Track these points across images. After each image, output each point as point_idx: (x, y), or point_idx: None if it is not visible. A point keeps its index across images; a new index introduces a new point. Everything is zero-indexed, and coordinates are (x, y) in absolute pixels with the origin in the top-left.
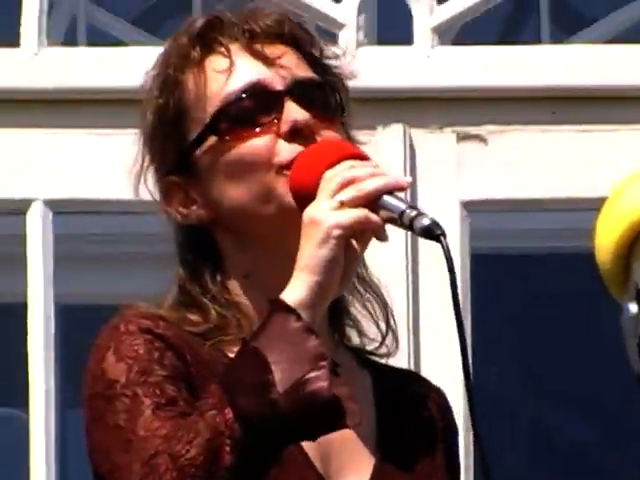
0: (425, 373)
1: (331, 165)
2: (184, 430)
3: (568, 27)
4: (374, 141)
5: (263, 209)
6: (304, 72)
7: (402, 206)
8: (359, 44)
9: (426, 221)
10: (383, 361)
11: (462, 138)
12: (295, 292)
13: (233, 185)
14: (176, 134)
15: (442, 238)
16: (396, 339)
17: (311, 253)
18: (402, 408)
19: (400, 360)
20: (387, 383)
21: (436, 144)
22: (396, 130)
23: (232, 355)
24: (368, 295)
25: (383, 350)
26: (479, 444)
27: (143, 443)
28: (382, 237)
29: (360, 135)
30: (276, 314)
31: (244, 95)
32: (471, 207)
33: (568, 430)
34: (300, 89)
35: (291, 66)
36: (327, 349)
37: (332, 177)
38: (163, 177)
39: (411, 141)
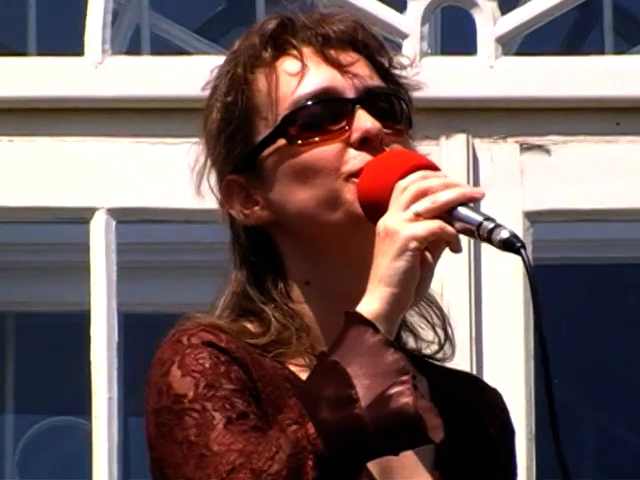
0: (487, 380)
1: (402, 175)
2: (264, 445)
3: (631, 37)
4: (437, 151)
5: (329, 215)
6: (375, 81)
7: (479, 218)
8: (423, 54)
9: (505, 234)
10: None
11: (526, 148)
12: (371, 304)
13: (299, 189)
14: (243, 133)
15: (522, 251)
16: (452, 344)
17: (387, 265)
18: (459, 411)
19: (462, 368)
20: (443, 386)
21: (499, 154)
22: (459, 140)
23: (293, 368)
24: (423, 303)
25: (440, 355)
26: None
27: (219, 458)
28: (456, 248)
29: (423, 145)
30: (353, 327)
31: (316, 100)
32: (534, 217)
33: (630, 438)
34: (371, 98)
35: (363, 74)
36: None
37: (405, 187)
38: (225, 176)
39: (474, 151)
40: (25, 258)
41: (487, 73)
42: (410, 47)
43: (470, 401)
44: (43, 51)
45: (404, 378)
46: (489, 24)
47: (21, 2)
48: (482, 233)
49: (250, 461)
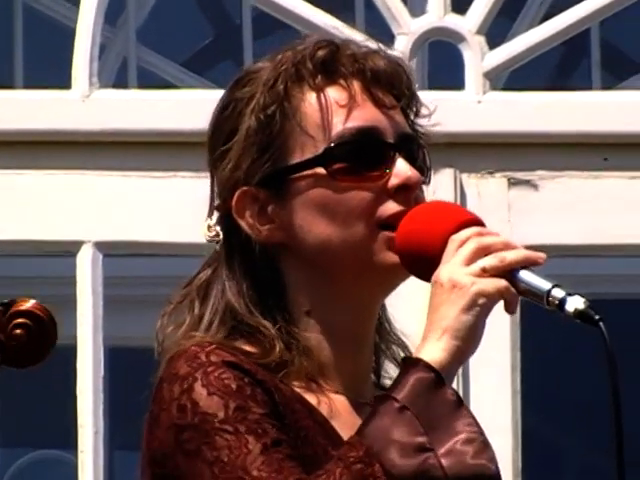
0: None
1: (455, 228)
2: (324, 477)
3: (619, 72)
4: (424, 186)
5: (352, 257)
6: (408, 129)
7: (547, 285)
8: None
9: (580, 304)
10: None
11: (513, 183)
12: (436, 354)
13: (325, 222)
14: (276, 149)
15: (601, 324)
16: None
17: (455, 317)
18: None
19: None
20: None
21: (487, 189)
22: (447, 175)
23: (296, 389)
24: (394, 345)
25: None
26: None
27: None
28: (513, 310)
29: None
30: (417, 373)
31: (361, 138)
32: None
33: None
34: (408, 146)
35: (400, 120)
36: (371, 390)
37: (463, 241)
38: (241, 185)
39: (462, 186)
40: (10, 292)
41: (475, 108)
42: None
43: None
44: (30, 84)
45: (475, 434)
46: (477, 59)
47: (7, 36)
48: (552, 300)
49: None
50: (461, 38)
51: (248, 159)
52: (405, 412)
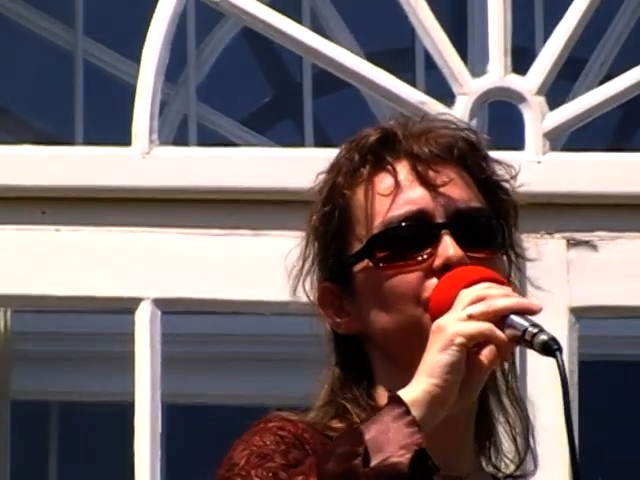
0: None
1: (467, 286)
2: None
3: None
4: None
5: (411, 340)
6: (467, 202)
7: (525, 324)
8: None
9: (544, 337)
10: None
11: (572, 244)
12: (411, 391)
13: (381, 312)
14: (337, 244)
15: (557, 353)
16: (535, 459)
17: (432, 357)
18: None
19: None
20: None
21: (546, 250)
22: None
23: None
24: (511, 410)
25: (520, 471)
26: None
27: None
28: (505, 356)
29: None
30: (389, 406)
31: (403, 224)
32: (580, 313)
33: None
34: (460, 222)
35: (455, 195)
36: (469, 466)
37: (467, 295)
38: (321, 281)
39: None
40: (70, 348)
41: (534, 168)
42: None
43: None
44: (90, 141)
45: (412, 440)
46: (537, 119)
47: (68, 92)
48: (527, 337)
49: None
50: (522, 98)
51: (317, 255)
52: (356, 430)
